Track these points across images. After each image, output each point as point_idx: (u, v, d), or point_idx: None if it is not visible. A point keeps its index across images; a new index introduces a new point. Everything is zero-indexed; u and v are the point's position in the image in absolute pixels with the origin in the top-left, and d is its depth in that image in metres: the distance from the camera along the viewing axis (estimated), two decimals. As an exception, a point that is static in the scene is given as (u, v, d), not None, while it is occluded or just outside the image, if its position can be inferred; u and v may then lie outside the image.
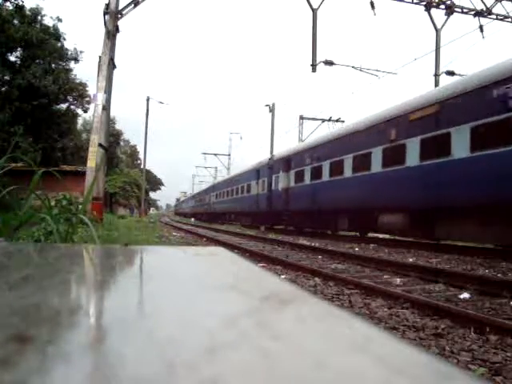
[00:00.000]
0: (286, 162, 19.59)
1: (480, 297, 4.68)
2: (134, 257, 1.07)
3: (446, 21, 16.50)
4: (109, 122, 13.22)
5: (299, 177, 17.99)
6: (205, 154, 55.53)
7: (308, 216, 17.24)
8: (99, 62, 11.74)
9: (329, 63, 17.53)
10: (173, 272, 0.79)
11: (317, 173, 16.20)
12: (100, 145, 11.45)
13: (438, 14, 16.66)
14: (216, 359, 0.31)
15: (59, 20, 24.13)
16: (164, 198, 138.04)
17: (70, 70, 25.03)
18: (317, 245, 11.10)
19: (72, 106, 26.16)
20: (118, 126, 42.91)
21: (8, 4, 21.99)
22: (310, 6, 14.49)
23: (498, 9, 16.17)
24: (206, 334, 0.37)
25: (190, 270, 0.85)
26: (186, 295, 0.56)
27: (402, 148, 10.96)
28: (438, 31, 16.61)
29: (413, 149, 10.55)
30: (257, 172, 24.03)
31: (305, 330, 0.40)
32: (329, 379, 0.29)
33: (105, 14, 11.95)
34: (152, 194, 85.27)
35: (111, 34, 11.86)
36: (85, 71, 26.28)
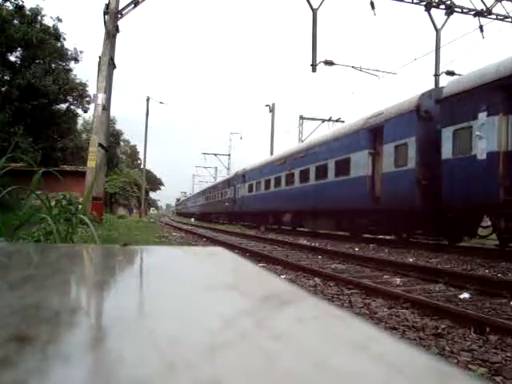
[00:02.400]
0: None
1: (480, 297, 4.68)
2: (134, 257, 1.07)
3: (446, 21, 16.49)
4: (109, 122, 13.23)
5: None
6: (205, 154, 55.61)
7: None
8: (99, 62, 11.75)
9: (329, 63, 17.53)
10: (173, 272, 0.79)
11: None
12: (100, 145, 11.45)
13: (438, 13, 16.67)
14: (216, 359, 0.31)
15: (59, 20, 24.12)
16: (164, 197, 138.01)
17: (70, 69, 25.03)
18: (317, 245, 11.10)
19: (72, 106, 26.14)
20: (118, 126, 42.84)
21: (8, 4, 21.99)
22: (310, 6, 14.48)
23: (498, 9, 16.17)
24: (206, 333, 0.37)
25: (189, 270, 0.85)
26: (185, 295, 0.56)
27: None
28: (438, 31, 16.60)
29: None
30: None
31: (305, 330, 0.40)
32: (329, 379, 0.29)
33: (105, 13, 11.95)
34: (152, 194, 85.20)
35: (111, 34, 11.86)
36: (85, 71, 26.29)
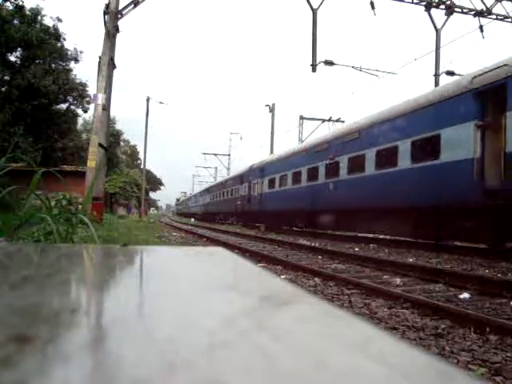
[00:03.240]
0: None
1: (480, 297, 4.67)
2: (134, 257, 1.07)
3: (446, 21, 16.50)
4: (109, 122, 13.22)
5: None
6: (205, 154, 55.55)
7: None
8: (99, 62, 11.74)
9: (329, 63, 17.53)
10: (172, 272, 0.79)
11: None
12: (100, 145, 11.45)
13: (438, 13, 16.67)
14: (216, 359, 0.31)
15: (59, 20, 24.17)
16: (164, 197, 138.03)
17: (70, 70, 25.07)
18: (317, 245, 11.10)
19: (72, 106, 26.18)
20: (118, 126, 42.88)
21: (8, 4, 22.01)
22: (310, 6, 14.49)
23: (498, 9, 16.17)
24: (206, 333, 0.37)
25: (189, 270, 0.85)
26: (185, 295, 0.56)
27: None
28: (438, 31, 16.61)
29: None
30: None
31: (305, 330, 0.40)
32: (329, 379, 0.29)
33: (105, 13, 11.95)
34: (152, 194, 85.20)
35: (111, 34, 11.86)
36: (85, 71, 26.30)
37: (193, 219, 45.13)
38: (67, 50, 24.61)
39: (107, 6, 11.95)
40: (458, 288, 5.09)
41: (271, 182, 21.08)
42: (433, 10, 16.33)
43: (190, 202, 65.30)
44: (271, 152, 30.83)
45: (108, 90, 11.78)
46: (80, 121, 32.98)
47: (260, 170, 22.80)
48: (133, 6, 12.31)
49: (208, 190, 42.59)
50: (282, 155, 20.56)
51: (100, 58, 11.75)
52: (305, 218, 17.67)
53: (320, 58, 15.68)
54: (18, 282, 0.58)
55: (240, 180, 27.10)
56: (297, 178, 17.97)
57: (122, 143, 50.62)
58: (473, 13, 16.06)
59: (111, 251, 1.14)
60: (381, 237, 13.22)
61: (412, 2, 15.82)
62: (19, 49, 22.90)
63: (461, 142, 9.10)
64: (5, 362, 0.28)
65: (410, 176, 10.67)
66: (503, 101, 8.28)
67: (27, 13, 22.45)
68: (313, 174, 16.47)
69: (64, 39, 24.31)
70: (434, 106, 10.16)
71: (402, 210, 11.00)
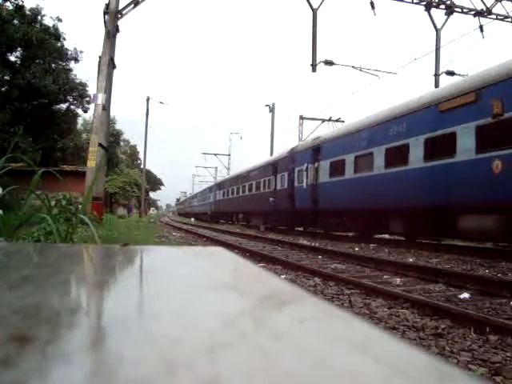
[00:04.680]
0: None
1: (480, 297, 4.68)
2: (134, 257, 1.07)
3: (446, 21, 16.51)
4: (109, 121, 13.23)
5: None
6: (205, 154, 55.44)
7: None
8: (99, 62, 11.75)
9: (329, 63, 17.53)
10: (173, 272, 0.79)
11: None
12: (100, 145, 11.45)
13: (438, 13, 16.68)
14: (216, 359, 0.31)
15: (59, 20, 24.16)
16: (164, 197, 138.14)
17: (70, 69, 25.06)
18: (317, 245, 11.10)
19: (72, 106, 26.18)
20: (118, 126, 42.89)
21: (8, 4, 22.01)
22: (310, 6, 14.49)
23: (498, 9, 16.18)
24: (206, 333, 0.37)
25: (189, 270, 0.85)
26: (185, 295, 0.56)
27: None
28: (438, 31, 16.61)
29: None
30: None
31: (305, 330, 0.40)
32: (329, 379, 0.29)
33: (105, 13, 11.95)
34: (152, 194, 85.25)
35: (111, 34, 11.86)
36: (85, 71, 26.30)
37: (193, 219, 44.86)
38: (67, 49, 24.62)
39: (107, 5, 11.96)
40: (458, 288, 5.09)
41: (336, 167, 14.16)
42: (433, 10, 16.34)
43: (195, 201, 56.77)
44: (271, 152, 30.64)
45: (108, 89, 11.79)
46: (80, 121, 33.02)
47: (313, 152, 16.01)
48: (133, 5, 12.32)
49: (219, 185, 35.41)
50: (364, 122, 13.06)
51: (100, 57, 11.76)
52: (417, 219, 10.52)
53: (320, 57, 15.71)
54: (17, 282, 0.58)
55: (273, 169, 20.44)
56: (398, 156, 10.98)
57: (121, 143, 50.64)
58: (473, 13, 16.07)
59: (111, 251, 1.14)
60: (380, 237, 13.16)
61: (412, 2, 15.83)
62: (19, 49, 22.90)
63: None
64: (5, 362, 0.28)
65: None
66: None
67: (27, 13, 22.45)
68: (441, 148, 9.66)
69: (64, 39, 24.34)
70: None
71: None
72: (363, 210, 12.26)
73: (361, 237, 12.84)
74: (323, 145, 15.48)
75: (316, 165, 15.70)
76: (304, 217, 16.65)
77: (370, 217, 12.32)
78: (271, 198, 19.88)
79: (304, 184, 16.49)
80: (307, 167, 16.35)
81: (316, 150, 15.87)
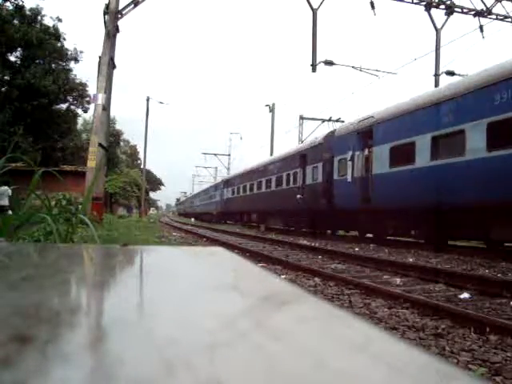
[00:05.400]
0: None
1: (480, 297, 4.68)
2: (134, 257, 1.07)
3: (446, 21, 16.50)
4: (109, 121, 13.23)
5: None
6: (205, 154, 55.44)
7: None
8: (99, 62, 11.75)
9: (329, 63, 17.54)
10: (172, 272, 0.79)
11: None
12: (100, 145, 11.45)
13: (438, 13, 16.68)
14: (216, 359, 0.31)
15: (59, 20, 24.20)
16: (164, 197, 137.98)
17: (70, 70, 25.10)
18: (317, 245, 11.10)
19: (72, 106, 26.21)
20: (118, 126, 42.92)
21: (8, 4, 22.03)
22: (310, 6, 14.49)
23: (498, 9, 16.18)
24: (206, 333, 0.37)
25: (189, 269, 0.85)
26: (185, 295, 0.56)
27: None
28: (438, 31, 16.61)
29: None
30: None
31: (305, 330, 0.40)
32: (329, 379, 0.29)
33: (105, 13, 11.95)
34: (152, 194, 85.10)
35: (111, 33, 11.86)
36: (85, 71, 26.32)
37: (193, 219, 44.81)
38: (67, 49, 24.66)
39: (107, 6, 11.95)
40: (458, 288, 5.09)
41: (400, 153, 10.87)
42: (433, 10, 16.33)
43: (197, 200, 51.64)
44: (271, 152, 30.57)
45: (108, 89, 11.79)
46: (80, 121, 33.03)
47: (361, 136, 12.80)
48: (133, 5, 12.31)
49: (227, 183, 31.40)
50: (451, 90, 9.64)
51: (100, 57, 11.75)
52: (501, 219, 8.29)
53: (320, 57, 15.72)
54: (17, 282, 0.58)
55: (300, 160, 16.99)
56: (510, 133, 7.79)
57: (121, 143, 50.64)
58: (473, 13, 16.07)
59: (111, 251, 1.14)
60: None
61: (412, 2, 15.83)
62: (19, 49, 22.93)
63: None
64: (5, 362, 0.28)
65: None
66: None
67: (27, 13, 22.49)
68: None
69: (64, 39, 24.38)
70: None
71: None
72: (442, 207, 9.28)
73: (427, 243, 10.18)
74: (378, 126, 11.92)
75: (366, 152, 12.40)
76: (347, 218, 13.48)
77: (454, 217, 9.19)
78: (298, 195, 16.55)
79: (348, 176, 13.04)
80: (353, 155, 12.86)
81: (366, 133, 12.45)
